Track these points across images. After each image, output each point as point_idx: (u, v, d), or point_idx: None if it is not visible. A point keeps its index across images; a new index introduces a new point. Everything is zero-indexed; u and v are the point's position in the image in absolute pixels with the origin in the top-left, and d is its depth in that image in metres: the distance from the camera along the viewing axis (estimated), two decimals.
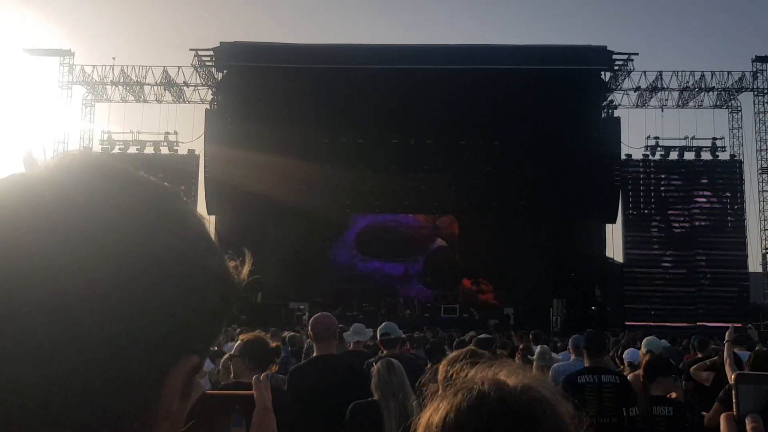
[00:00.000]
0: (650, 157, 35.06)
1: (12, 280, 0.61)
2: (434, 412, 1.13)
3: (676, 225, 34.84)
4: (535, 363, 7.91)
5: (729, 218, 34.56)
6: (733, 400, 1.22)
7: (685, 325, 22.60)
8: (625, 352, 8.41)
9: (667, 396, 5.93)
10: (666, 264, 34.56)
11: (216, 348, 10.12)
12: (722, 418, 1.14)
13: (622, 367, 8.61)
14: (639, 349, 8.89)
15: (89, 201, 0.66)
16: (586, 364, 6.48)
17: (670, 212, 34.96)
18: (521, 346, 9.56)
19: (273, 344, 4.74)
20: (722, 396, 5.88)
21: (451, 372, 3.02)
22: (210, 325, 0.74)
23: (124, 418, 0.66)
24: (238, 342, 4.77)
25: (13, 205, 0.65)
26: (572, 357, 7.81)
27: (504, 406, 1.08)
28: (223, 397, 1.09)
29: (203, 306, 0.71)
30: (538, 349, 8.99)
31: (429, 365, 7.25)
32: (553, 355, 8.64)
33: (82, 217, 0.65)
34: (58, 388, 0.62)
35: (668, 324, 24.60)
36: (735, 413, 1.20)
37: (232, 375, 4.72)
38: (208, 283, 0.72)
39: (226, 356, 5.55)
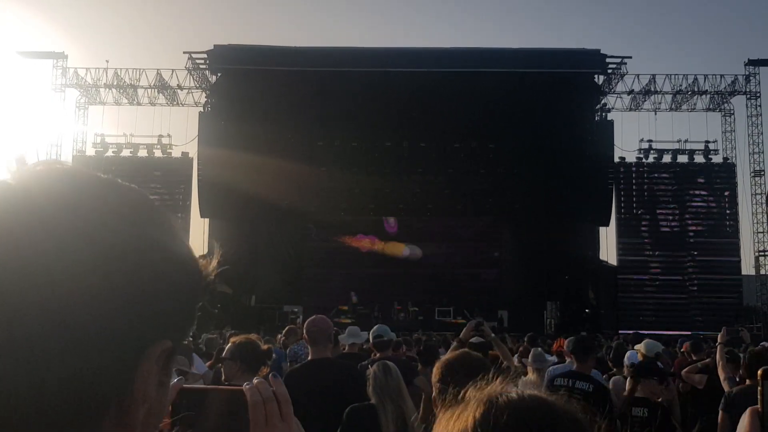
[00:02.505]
0: (643, 160, 35.15)
1: None
2: (454, 423, 1.08)
3: (669, 228, 34.93)
4: (529, 366, 7.91)
5: (722, 221, 34.68)
6: (759, 396, 1.22)
7: (680, 333, 22.70)
8: (627, 354, 8.44)
9: (653, 398, 5.97)
10: (658, 267, 34.63)
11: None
12: (747, 413, 1.14)
13: (615, 369, 8.63)
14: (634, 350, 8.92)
15: (56, 204, 0.70)
16: (574, 368, 6.51)
17: (662, 215, 35.06)
18: (520, 349, 9.53)
19: (264, 346, 4.73)
20: (724, 405, 5.88)
21: (452, 389, 3.02)
22: (180, 311, 0.78)
23: (101, 403, 0.70)
24: (229, 345, 4.76)
25: None
26: (568, 360, 7.83)
27: (549, 409, 1.06)
28: (200, 390, 1.10)
29: (172, 292, 0.75)
30: (532, 351, 8.99)
31: (420, 367, 7.27)
32: (547, 357, 8.63)
33: (51, 219, 0.69)
34: (35, 376, 0.65)
35: (663, 332, 24.71)
36: (760, 408, 1.19)
37: (223, 378, 4.71)
38: (176, 270, 0.76)
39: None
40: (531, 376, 7.59)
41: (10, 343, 0.64)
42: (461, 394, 1.13)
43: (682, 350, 11.48)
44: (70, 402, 0.67)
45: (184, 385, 1.07)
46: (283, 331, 11.70)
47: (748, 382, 6.05)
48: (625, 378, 7.39)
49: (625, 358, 8.24)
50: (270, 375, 1.16)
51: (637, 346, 8.73)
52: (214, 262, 0.85)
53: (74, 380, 0.67)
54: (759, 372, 1.22)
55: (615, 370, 8.56)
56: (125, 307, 0.70)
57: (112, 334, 0.69)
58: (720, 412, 5.82)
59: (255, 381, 1.16)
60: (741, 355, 7.50)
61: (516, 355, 9.64)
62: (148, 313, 0.72)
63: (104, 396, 0.70)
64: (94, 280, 0.68)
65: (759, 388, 1.27)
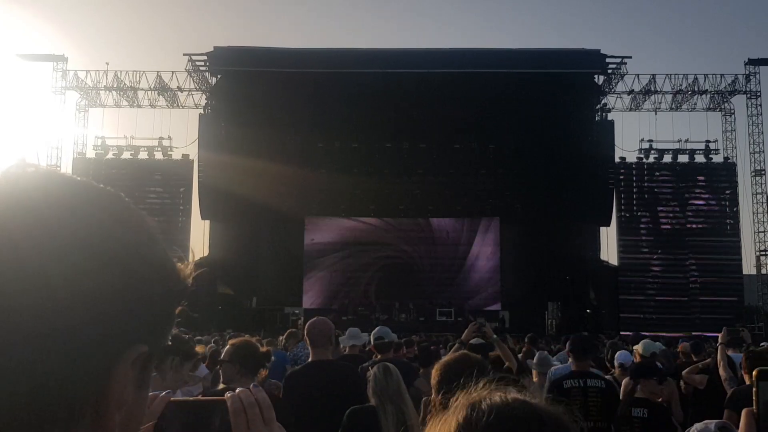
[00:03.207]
0: (644, 160, 35.13)
1: None
2: (441, 426, 1.09)
3: (670, 228, 34.90)
4: (534, 371, 7.88)
5: (723, 221, 34.65)
6: (754, 397, 1.22)
7: (681, 335, 22.68)
8: (617, 354, 8.41)
9: (653, 398, 5.97)
10: (659, 268, 34.59)
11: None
12: (743, 414, 1.14)
13: (613, 369, 8.61)
14: (629, 351, 8.90)
15: (33, 203, 0.70)
16: (573, 368, 6.49)
17: (663, 215, 35.03)
18: (524, 350, 9.49)
19: (263, 349, 4.72)
20: (728, 402, 5.88)
21: (449, 392, 3.03)
22: (156, 315, 0.77)
23: (76, 407, 0.69)
24: (228, 347, 4.75)
25: None
26: (570, 360, 7.80)
27: (532, 411, 1.06)
28: (187, 402, 1.11)
29: (146, 295, 0.75)
30: (537, 355, 8.96)
31: (421, 370, 7.26)
32: (553, 360, 8.59)
33: (23, 217, 0.68)
34: (6, 381, 0.65)
35: (664, 334, 24.69)
36: (755, 409, 1.19)
37: (222, 380, 4.70)
38: (151, 272, 0.76)
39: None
40: (535, 379, 7.55)
41: None
42: (450, 401, 1.13)
43: (678, 350, 11.48)
44: (44, 406, 0.66)
45: (172, 398, 1.07)
46: (284, 335, 11.71)
47: (747, 381, 6.06)
48: (614, 378, 7.37)
49: (615, 359, 8.21)
50: (251, 386, 1.17)
51: (635, 347, 8.72)
52: (191, 266, 0.85)
53: (47, 385, 0.66)
54: (754, 373, 1.22)
55: (614, 371, 8.54)
56: (100, 311, 0.69)
57: (86, 338, 0.68)
58: (726, 411, 5.81)
59: (237, 390, 1.17)
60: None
61: (520, 355, 9.60)
62: (123, 317, 0.72)
63: (79, 400, 0.69)
64: (67, 285, 0.67)
65: (754, 389, 1.27)
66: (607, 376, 7.97)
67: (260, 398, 1.15)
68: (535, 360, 8.61)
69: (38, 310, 0.66)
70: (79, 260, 0.69)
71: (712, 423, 3.08)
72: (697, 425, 3.21)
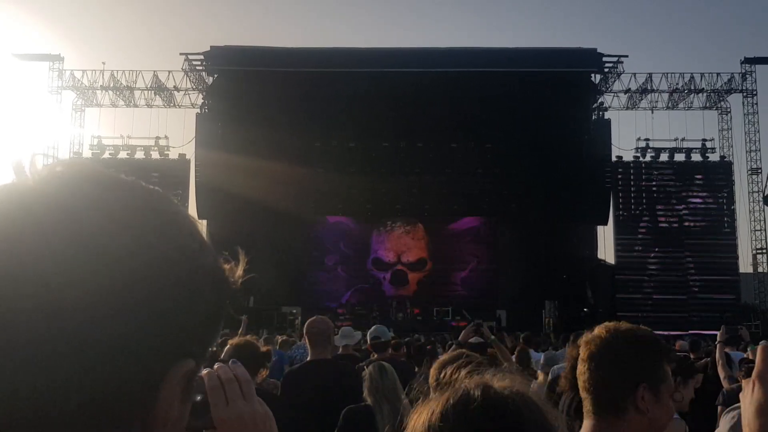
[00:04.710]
0: (641, 158, 35.18)
1: (4, 290, 0.61)
2: (423, 411, 1.14)
3: (667, 226, 34.95)
4: (540, 371, 7.86)
5: (720, 219, 34.71)
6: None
7: (678, 333, 22.76)
8: None
9: None
10: (656, 266, 34.64)
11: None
12: (759, 348, 1.13)
13: None
14: None
15: (79, 208, 0.65)
16: None
17: (660, 214, 35.08)
18: (518, 349, 9.47)
19: (263, 348, 4.71)
20: (721, 400, 5.89)
21: (442, 374, 3.02)
22: (206, 326, 0.73)
23: (123, 424, 0.66)
24: (228, 347, 4.75)
25: (2, 216, 0.64)
26: None
27: (486, 403, 1.09)
28: None
29: (199, 307, 0.71)
30: (544, 354, 8.93)
31: (417, 369, 7.25)
32: (559, 358, 8.55)
33: (73, 225, 0.64)
34: (56, 396, 0.62)
35: (661, 333, 24.76)
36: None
37: None
38: (203, 283, 0.71)
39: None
40: (541, 378, 7.54)
41: (29, 364, 0.61)
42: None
43: (675, 349, 11.50)
44: (92, 421, 0.64)
45: None
46: (279, 340, 11.78)
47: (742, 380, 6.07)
48: None
49: None
50: (230, 361, 1.16)
51: None
52: (240, 270, 0.81)
53: (96, 399, 0.63)
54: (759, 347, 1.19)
55: None
56: (151, 322, 0.65)
57: (137, 350, 0.65)
58: (718, 408, 5.82)
59: (216, 366, 1.15)
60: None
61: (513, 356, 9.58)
62: (174, 328, 0.68)
63: (126, 416, 0.66)
64: (116, 293, 0.63)
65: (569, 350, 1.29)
66: None
67: (239, 373, 1.14)
68: (542, 359, 8.60)
69: (87, 322, 0.62)
70: (133, 266, 0.65)
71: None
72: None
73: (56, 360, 0.61)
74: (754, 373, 1.09)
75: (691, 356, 9.56)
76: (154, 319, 0.66)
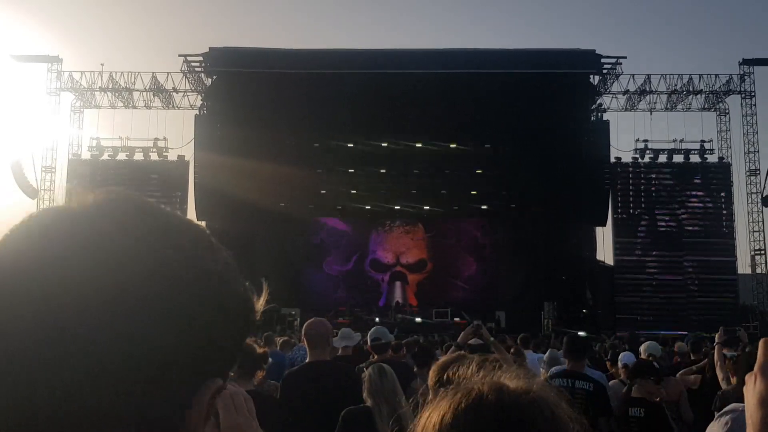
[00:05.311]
0: (639, 159, 35.20)
1: (47, 312, 0.64)
2: (433, 411, 1.13)
3: (665, 227, 34.96)
4: (542, 370, 7.88)
5: (718, 220, 34.72)
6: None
7: (678, 334, 22.72)
8: (621, 355, 8.42)
9: (649, 398, 5.97)
10: (655, 267, 34.64)
11: None
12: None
13: (614, 369, 8.62)
14: (627, 351, 8.91)
15: (123, 231, 0.69)
16: (566, 368, 6.50)
17: (658, 215, 35.09)
18: (512, 350, 9.52)
19: (260, 350, 4.69)
20: (717, 405, 5.89)
21: (449, 374, 3.01)
22: (235, 347, 0.77)
23: None
24: None
25: (56, 238, 0.68)
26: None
27: (501, 408, 1.07)
28: None
29: (233, 329, 0.75)
30: (548, 353, 8.96)
31: (416, 370, 7.25)
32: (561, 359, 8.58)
33: (117, 251, 0.68)
34: (95, 419, 0.64)
35: (660, 333, 24.75)
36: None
37: None
38: (238, 306, 0.76)
39: None
40: (543, 378, 7.56)
41: (76, 388, 0.63)
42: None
43: (674, 350, 11.52)
44: None
45: None
46: (279, 341, 11.76)
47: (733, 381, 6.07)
48: (622, 381, 7.38)
49: (619, 359, 8.23)
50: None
51: (641, 348, 8.75)
52: (263, 300, 0.85)
53: (133, 424, 0.66)
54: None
55: (614, 371, 8.54)
56: (191, 343, 0.69)
57: (173, 368, 0.68)
58: (715, 413, 5.81)
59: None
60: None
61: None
62: (209, 350, 0.71)
63: None
64: (158, 316, 0.67)
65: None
66: (613, 378, 7.98)
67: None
68: (545, 358, 8.64)
69: (130, 343, 0.65)
70: (175, 292, 0.68)
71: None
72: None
73: (99, 382, 0.64)
74: (756, 366, 1.11)
75: (692, 357, 9.56)
76: (195, 339, 0.69)
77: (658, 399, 6.08)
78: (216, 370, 0.73)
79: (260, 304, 0.84)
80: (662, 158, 35.10)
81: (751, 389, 1.12)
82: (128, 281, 0.66)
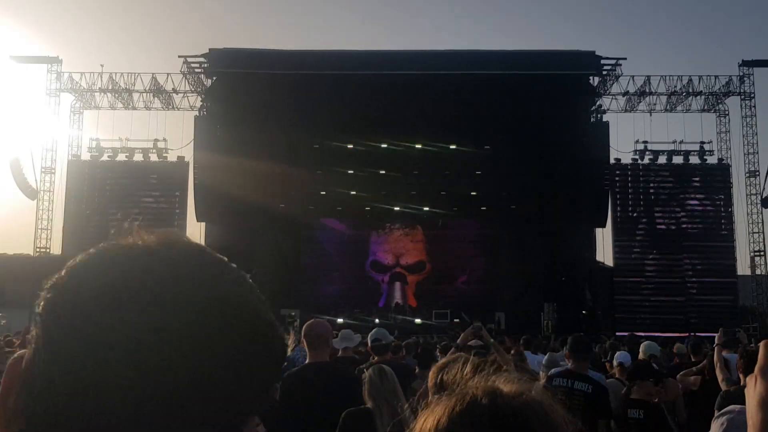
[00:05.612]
0: (639, 161, 35.18)
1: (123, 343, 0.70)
2: (429, 416, 1.13)
3: (665, 228, 34.96)
4: (542, 372, 7.88)
5: (718, 222, 34.71)
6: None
7: (677, 335, 22.73)
8: (616, 354, 8.42)
9: (648, 399, 5.97)
10: (655, 269, 34.63)
11: None
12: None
13: (613, 371, 8.62)
14: (627, 351, 8.90)
15: (180, 270, 0.76)
16: (570, 367, 6.48)
17: (658, 216, 35.09)
18: (513, 351, 9.52)
19: None
20: (719, 404, 5.89)
21: (446, 377, 3.01)
22: (271, 386, 0.82)
23: None
24: None
25: (128, 273, 0.74)
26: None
27: (495, 412, 1.07)
28: None
29: (276, 369, 0.81)
30: (547, 356, 8.94)
31: (418, 371, 7.26)
32: (561, 363, 8.58)
33: (173, 281, 0.74)
34: None
35: (660, 334, 24.75)
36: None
37: None
38: (279, 349, 0.82)
39: None
40: (543, 381, 7.55)
41: (147, 425, 0.68)
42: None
43: (673, 351, 11.50)
44: None
45: None
46: None
47: (743, 382, 6.06)
48: (619, 380, 7.37)
49: (615, 358, 8.23)
50: None
51: (641, 348, 8.75)
52: (291, 338, 0.91)
53: None
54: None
55: (613, 372, 8.54)
56: (243, 384, 0.74)
57: (228, 412, 0.73)
58: (716, 412, 5.81)
59: None
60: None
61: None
62: (258, 392, 0.76)
63: None
64: (227, 356, 0.72)
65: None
66: (611, 378, 7.98)
67: None
68: (544, 361, 8.62)
69: (193, 381, 0.70)
70: (232, 333, 0.74)
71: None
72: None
73: (160, 421, 0.69)
74: (756, 368, 1.11)
75: (693, 359, 9.55)
76: (248, 378, 0.75)
77: (656, 400, 6.08)
78: (256, 407, 0.78)
79: (290, 340, 0.91)
80: (662, 159, 35.10)
81: (752, 391, 1.12)
82: (210, 326, 0.72)
